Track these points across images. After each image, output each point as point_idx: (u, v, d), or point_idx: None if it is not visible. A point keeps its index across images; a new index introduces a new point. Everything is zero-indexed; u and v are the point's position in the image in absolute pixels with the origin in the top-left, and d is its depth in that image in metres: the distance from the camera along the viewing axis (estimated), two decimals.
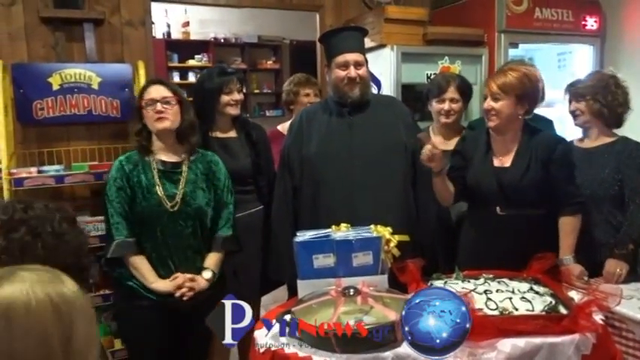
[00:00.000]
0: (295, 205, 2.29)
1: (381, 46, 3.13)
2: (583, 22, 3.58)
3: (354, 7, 3.66)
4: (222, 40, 6.43)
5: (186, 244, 2.07)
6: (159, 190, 2.03)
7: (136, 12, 3.08)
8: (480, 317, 1.58)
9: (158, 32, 5.76)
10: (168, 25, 6.05)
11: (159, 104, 2.02)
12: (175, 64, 6.18)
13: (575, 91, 2.36)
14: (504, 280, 1.91)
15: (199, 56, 6.30)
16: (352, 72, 2.18)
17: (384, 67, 3.10)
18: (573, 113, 2.38)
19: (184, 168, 2.09)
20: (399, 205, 2.21)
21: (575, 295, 1.84)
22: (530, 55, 3.82)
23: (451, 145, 2.55)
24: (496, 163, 2.14)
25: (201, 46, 6.32)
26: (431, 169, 2.05)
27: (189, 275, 2.02)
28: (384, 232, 1.90)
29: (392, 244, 1.89)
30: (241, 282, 2.32)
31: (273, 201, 2.36)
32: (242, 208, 2.33)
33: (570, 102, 2.39)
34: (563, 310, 1.68)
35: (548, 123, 2.81)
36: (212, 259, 2.11)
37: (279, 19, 5.97)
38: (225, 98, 2.38)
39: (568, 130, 2.92)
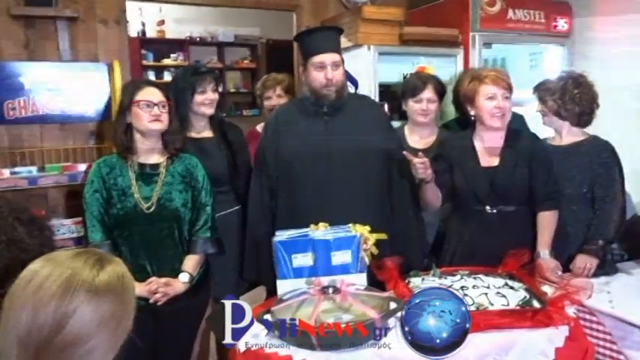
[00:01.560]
0: (271, 205, 2.29)
1: (358, 45, 3.14)
2: (554, 23, 3.65)
3: (332, 7, 3.67)
4: (198, 39, 6.37)
5: (164, 246, 2.06)
6: (135, 192, 2.02)
7: (111, 10, 3.03)
8: None
9: (132, 30, 5.67)
10: (143, 24, 5.96)
11: (156, 107, 2.03)
12: (150, 62, 6.10)
13: (539, 93, 2.45)
14: (480, 276, 1.96)
15: (175, 55, 6.23)
16: (329, 73, 2.17)
17: (362, 67, 3.12)
18: (540, 113, 2.47)
19: (162, 170, 2.08)
20: (374, 204, 2.23)
21: (548, 290, 1.90)
22: (503, 55, 3.88)
23: (426, 144, 2.59)
24: (483, 163, 2.19)
25: (176, 44, 6.25)
26: (420, 178, 2.10)
27: (163, 280, 2.00)
28: (363, 230, 1.92)
29: (370, 243, 1.92)
30: (218, 283, 2.31)
31: (249, 202, 2.34)
32: (218, 208, 2.31)
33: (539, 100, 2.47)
34: (537, 305, 1.72)
35: (520, 118, 2.88)
36: (190, 262, 2.09)
37: (255, 18, 5.95)
38: (199, 98, 2.36)
39: (541, 127, 2.99)
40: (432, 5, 3.66)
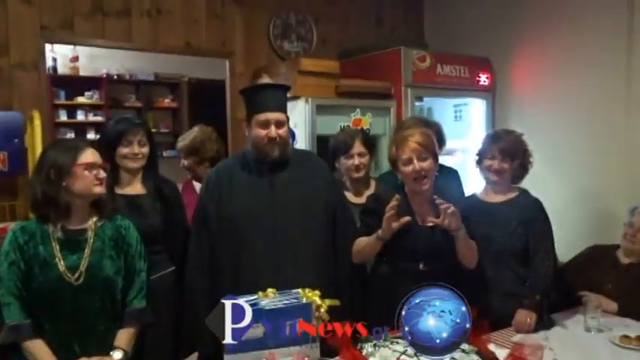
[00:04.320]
0: (212, 265, 2.17)
1: (295, 97, 3.12)
2: (477, 78, 3.88)
3: (265, 56, 3.65)
4: (115, 77, 6.08)
5: (94, 320, 1.86)
6: (59, 262, 1.82)
7: (28, 53, 2.78)
8: None
9: None
10: (54, 60, 5.58)
11: (101, 171, 1.88)
12: (62, 101, 5.71)
13: (503, 150, 2.38)
14: None
15: (90, 93, 5.89)
16: (273, 132, 2.13)
17: (299, 119, 3.09)
18: (497, 170, 2.39)
19: (90, 234, 1.89)
20: (321, 262, 2.19)
21: (494, 349, 1.91)
22: (430, 105, 4.05)
23: (363, 199, 2.58)
24: (420, 221, 2.18)
25: (91, 82, 5.91)
26: (374, 232, 2.08)
27: (95, 359, 1.81)
28: (314, 297, 1.84)
29: (322, 310, 1.85)
30: (152, 351, 2.13)
31: (187, 261, 2.22)
32: (152, 270, 2.15)
33: (492, 158, 2.40)
34: None
35: (454, 173, 2.95)
36: (123, 337, 1.89)
37: (176, 57, 5.76)
38: (123, 150, 2.22)
39: (471, 178, 3.11)
40: (363, 57, 3.74)
